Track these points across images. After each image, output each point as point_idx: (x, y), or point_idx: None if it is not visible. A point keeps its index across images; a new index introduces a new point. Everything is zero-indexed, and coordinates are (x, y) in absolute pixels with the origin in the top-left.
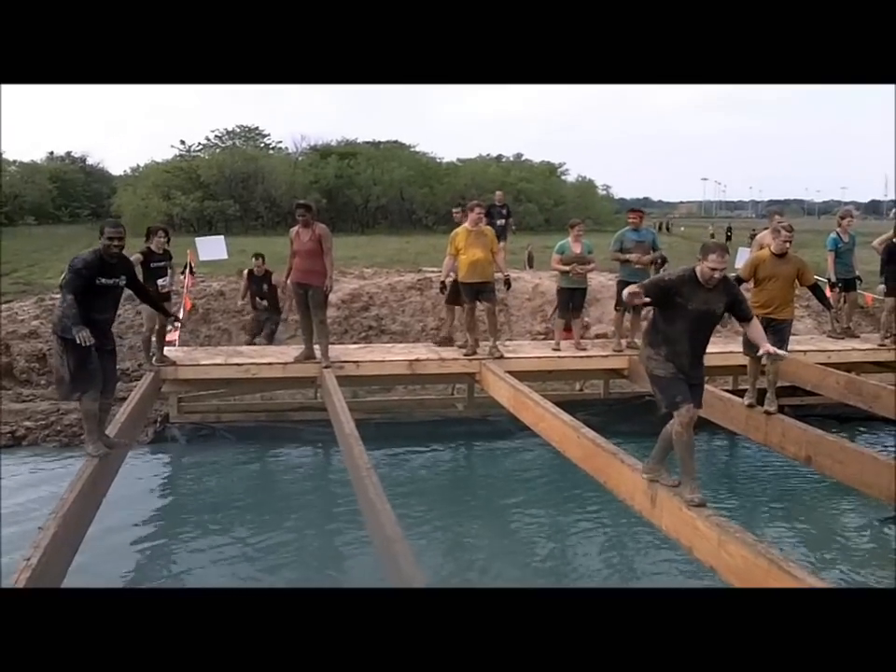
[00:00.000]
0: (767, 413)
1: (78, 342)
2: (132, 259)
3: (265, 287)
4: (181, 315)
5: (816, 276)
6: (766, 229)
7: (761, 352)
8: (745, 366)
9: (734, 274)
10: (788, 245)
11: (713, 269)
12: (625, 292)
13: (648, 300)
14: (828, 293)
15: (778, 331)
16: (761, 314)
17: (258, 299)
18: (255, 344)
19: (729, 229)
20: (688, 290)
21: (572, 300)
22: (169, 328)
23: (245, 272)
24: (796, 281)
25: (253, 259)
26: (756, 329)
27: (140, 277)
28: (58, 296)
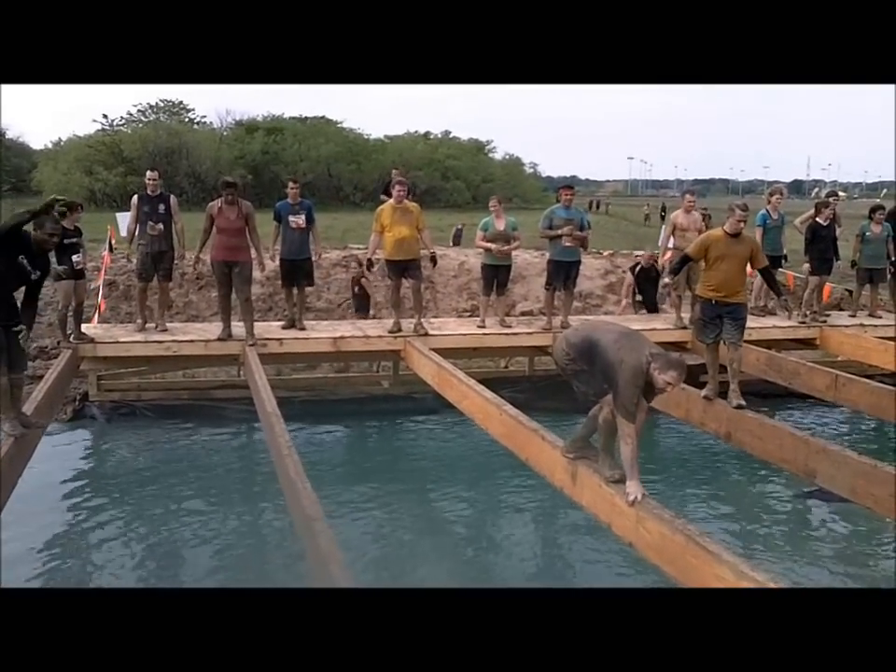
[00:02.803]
0: (739, 407)
1: None
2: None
3: None
4: (100, 294)
5: None
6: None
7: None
8: (667, 343)
9: (682, 253)
10: (742, 224)
11: (669, 384)
12: (632, 497)
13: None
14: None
15: (736, 315)
16: (713, 296)
17: None
18: None
19: (663, 208)
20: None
21: (496, 276)
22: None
23: None
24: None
25: None
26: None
27: (53, 256)
28: None
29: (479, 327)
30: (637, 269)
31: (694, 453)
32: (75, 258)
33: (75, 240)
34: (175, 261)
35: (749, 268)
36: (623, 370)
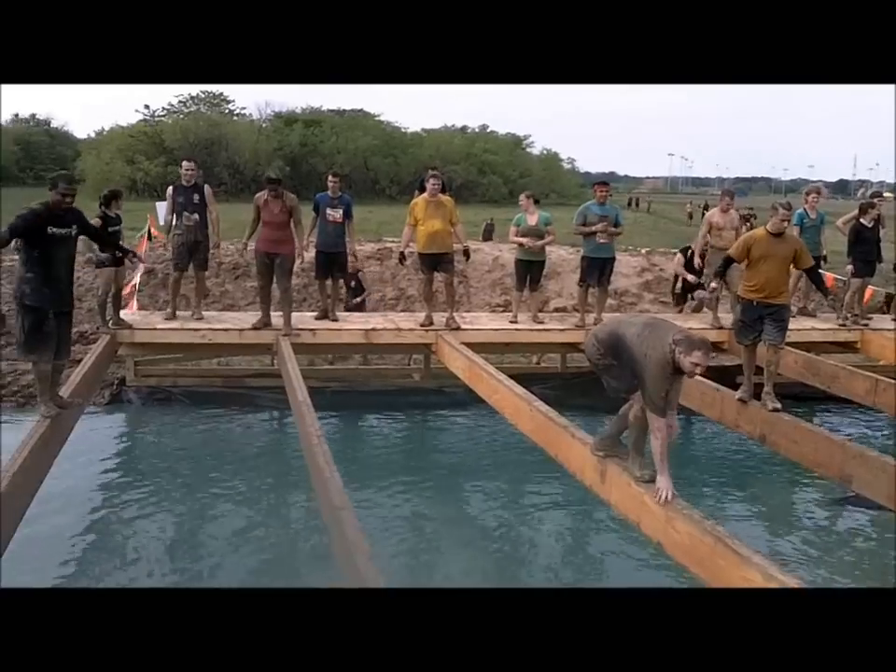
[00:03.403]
0: (775, 410)
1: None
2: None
3: None
4: (136, 281)
5: None
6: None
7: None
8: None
9: (725, 254)
10: (785, 224)
11: (696, 365)
12: (663, 496)
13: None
14: None
15: (778, 317)
16: (756, 297)
17: None
18: None
19: (706, 206)
20: (671, 378)
21: (529, 272)
22: (135, 276)
23: None
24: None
25: None
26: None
27: (96, 244)
28: (17, 258)
29: (511, 322)
30: (689, 252)
31: (728, 454)
32: None
33: (118, 227)
34: (211, 251)
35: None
36: (649, 364)
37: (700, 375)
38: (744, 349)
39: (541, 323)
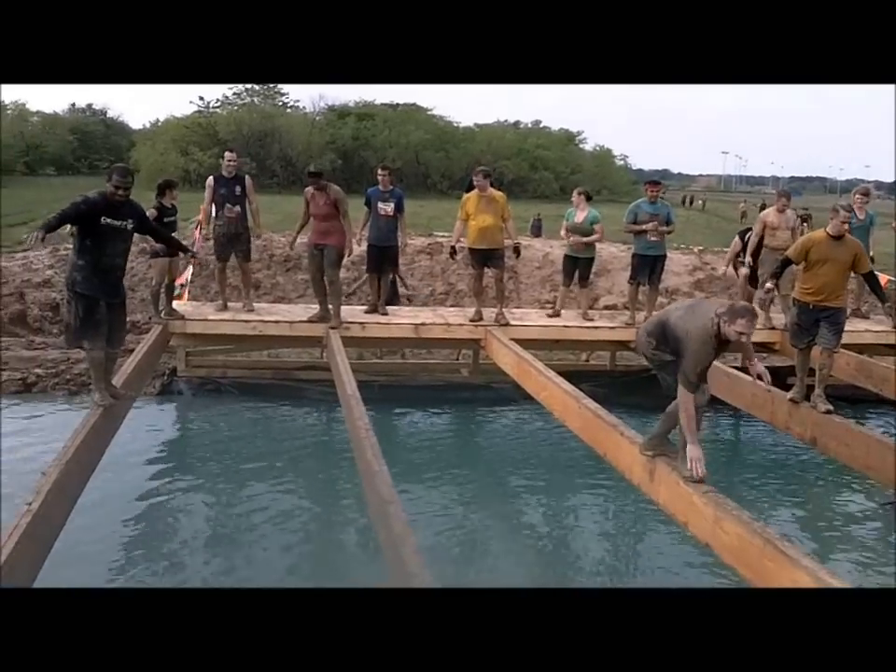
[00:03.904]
0: (827, 412)
1: (26, 240)
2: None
3: None
4: (189, 272)
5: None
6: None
7: (751, 373)
8: (755, 343)
9: (784, 255)
10: (846, 226)
11: (741, 333)
12: (693, 469)
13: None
14: None
15: (834, 320)
16: (812, 300)
17: None
18: None
19: (763, 206)
20: (716, 351)
21: (576, 268)
22: (188, 273)
23: None
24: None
25: None
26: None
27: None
28: (71, 246)
29: (549, 315)
30: (748, 235)
31: (778, 456)
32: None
33: (174, 218)
34: (253, 242)
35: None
36: (690, 339)
37: (749, 376)
38: (798, 352)
39: (591, 320)
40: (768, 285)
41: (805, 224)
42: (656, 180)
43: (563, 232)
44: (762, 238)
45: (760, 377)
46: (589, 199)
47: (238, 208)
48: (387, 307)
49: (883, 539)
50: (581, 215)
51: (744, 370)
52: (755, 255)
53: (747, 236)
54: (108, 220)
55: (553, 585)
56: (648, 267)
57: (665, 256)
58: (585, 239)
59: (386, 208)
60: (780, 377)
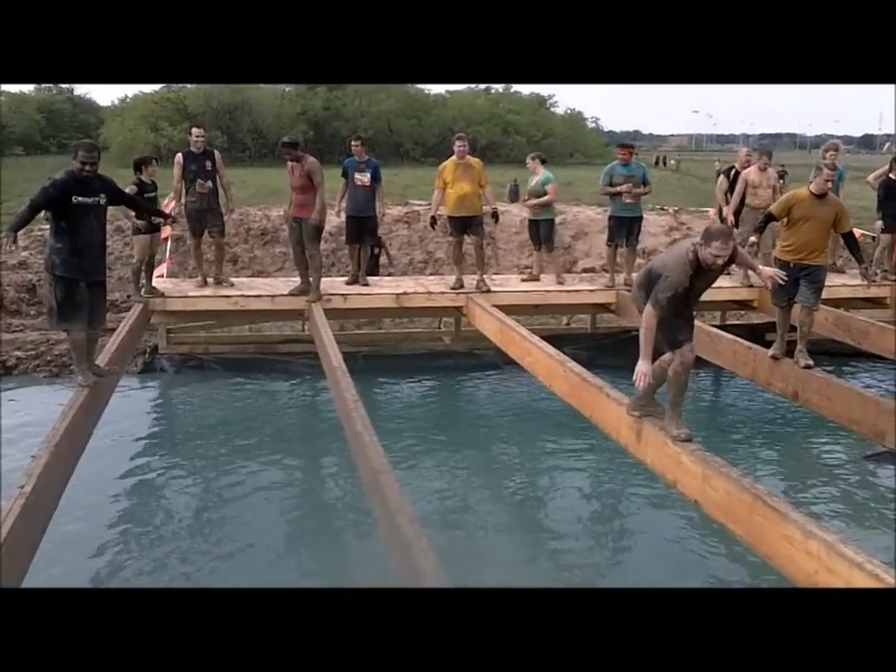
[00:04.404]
0: (807, 367)
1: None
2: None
3: None
4: (167, 249)
5: None
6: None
7: (762, 277)
8: (734, 301)
9: (767, 211)
10: (829, 184)
11: (717, 256)
12: (638, 380)
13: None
14: None
15: (814, 279)
16: (793, 258)
17: None
18: None
19: (730, 170)
20: (692, 279)
21: (537, 231)
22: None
23: None
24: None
25: None
26: (743, 257)
27: (133, 211)
28: (47, 227)
29: (523, 280)
30: (732, 172)
31: (761, 412)
32: None
33: (153, 194)
34: (226, 217)
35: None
36: (667, 269)
37: (729, 334)
38: (779, 310)
39: (562, 283)
40: (752, 239)
41: (781, 181)
42: (627, 143)
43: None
44: (743, 196)
45: (771, 278)
46: (543, 162)
47: (209, 183)
48: (368, 278)
49: (866, 490)
50: (535, 179)
51: (724, 328)
52: (737, 214)
53: (731, 173)
54: (80, 199)
55: (544, 548)
56: (625, 229)
57: (641, 217)
58: (536, 201)
59: (363, 178)
60: (759, 334)
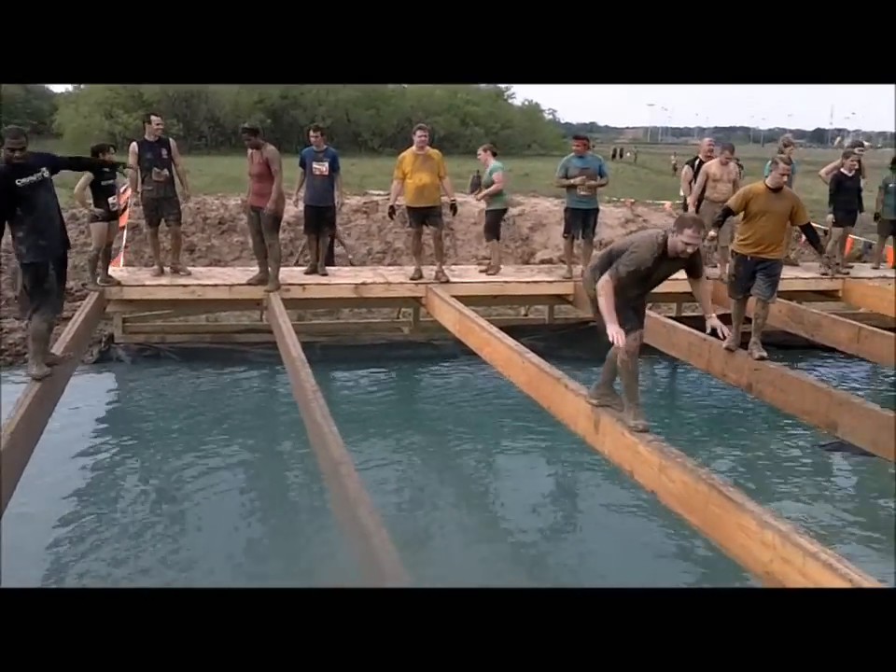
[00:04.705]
0: (761, 359)
1: None
2: (81, 179)
3: None
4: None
5: None
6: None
7: (707, 327)
8: (690, 293)
9: (725, 206)
10: (785, 178)
11: (687, 244)
12: (615, 342)
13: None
14: None
15: (770, 272)
16: (750, 252)
17: None
18: None
19: (697, 162)
20: (656, 262)
21: (493, 220)
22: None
23: None
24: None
25: None
26: (704, 290)
27: (91, 199)
28: None
29: (481, 272)
30: (697, 162)
31: (715, 403)
32: (111, 199)
33: (112, 181)
34: (182, 204)
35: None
36: (634, 245)
37: (685, 325)
38: (734, 302)
39: (490, 274)
40: (711, 233)
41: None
42: (581, 135)
43: (468, 191)
44: (704, 189)
45: (715, 331)
46: (495, 154)
47: (166, 171)
48: (326, 267)
49: (819, 480)
50: (485, 170)
51: (680, 319)
52: (697, 205)
53: (696, 163)
54: (23, 180)
55: (502, 538)
56: (580, 220)
57: (597, 209)
58: (485, 192)
59: (321, 168)
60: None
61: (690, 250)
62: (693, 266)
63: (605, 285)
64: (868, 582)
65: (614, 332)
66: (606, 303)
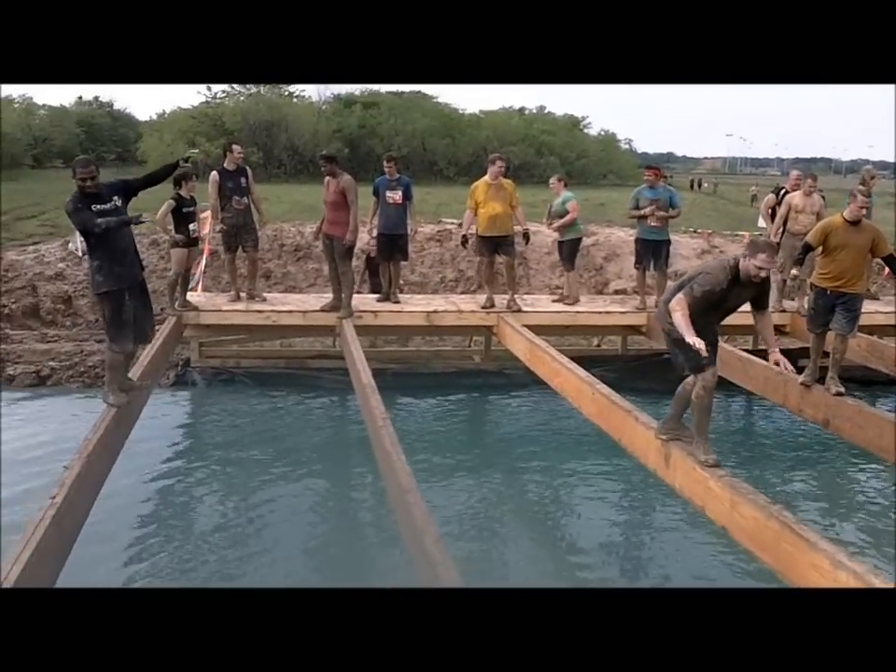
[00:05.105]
0: (839, 394)
1: (103, 226)
2: (164, 206)
3: None
4: (202, 263)
5: None
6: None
7: (770, 360)
8: None
9: (804, 242)
10: (863, 211)
11: (760, 268)
12: (693, 344)
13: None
14: None
15: (850, 306)
16: (830, 286)
17: None
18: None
19: (780, 191)
20: (729, 287)
21: (569, 250)
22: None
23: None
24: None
25: None
26: (767, 323)
27: (172, 225)
28: (80, 240)
29: (554, 301)
30: (782, 192)
31: (791, 439)
32: (191, 226)
33: (192, 209)
34: (259, 231)
35: None
36: (708, 268)
37: (761, 359)
38: (813, 336)
39: (573, 304)
40: (793, 272)
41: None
42: (653, 164)
43: (545, 220)
44: (786, 221)
45: (777, 364)
46: (566, 185)
47: (245, 199)
48: (398, 294)
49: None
50: (556, 200)
51: (756, 353)
52: (779, 238)
53: (781, 193)
54: (99, 207)
55: (571, 572)
56: (651, 251)
57: (668, 241)
58: (559, 222)
59: (395, 196)
60: (792, 359)
61: (763, 275)
62: (761, 296)
63: (680, 301)
64: None
65: (693, 341)
66: (682, 318)
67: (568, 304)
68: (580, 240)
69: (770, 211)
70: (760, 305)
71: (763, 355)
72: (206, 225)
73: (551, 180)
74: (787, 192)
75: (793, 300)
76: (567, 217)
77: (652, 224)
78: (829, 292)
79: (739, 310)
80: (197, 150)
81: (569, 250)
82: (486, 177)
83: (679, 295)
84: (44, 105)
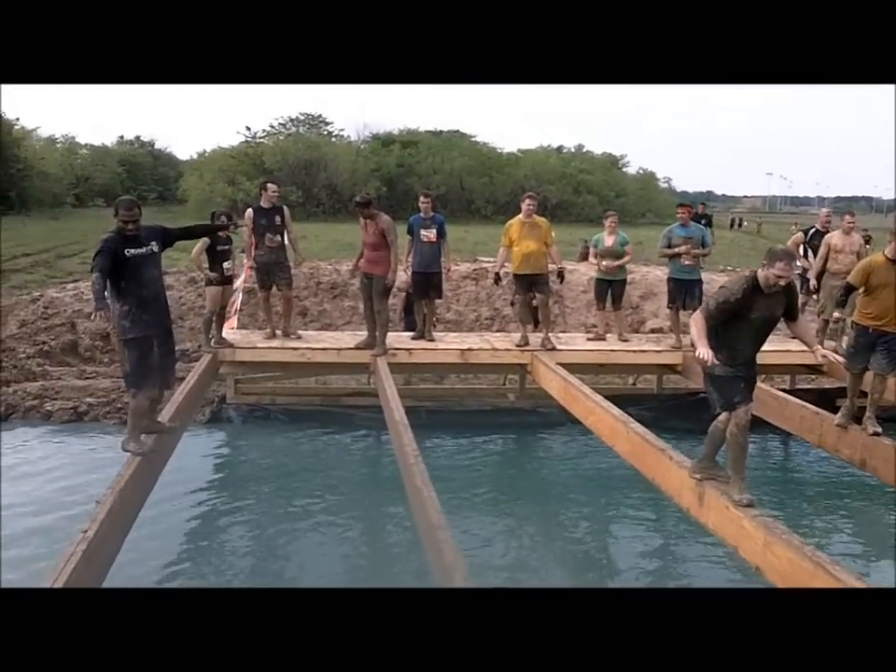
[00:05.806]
0: (876, 434)
1: (93, 318)
2: (198, 244)
3: None
4: (237, 301)
5: None
6: (835, 229)
7: (816, 357)
8: (803, 365)
9: (844, 281)
10: None
11: (779, 276)
12: (699, 355)
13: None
14: None
15: (891, 346)
16: (872, 324)
17: None
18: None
19: (808, 230)
20: (752, 300)
21: (609, 290)
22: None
23: None
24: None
25: None
26: (805, 329)
27: (207, 263)
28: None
29: (589, 339)
30: (812, 231)
31: (827, 479)
32: (226, 264)
33: (227, 247)
34: (294, 270)
35: None
36: (724, 286)
37: (798, 398)
38: (851, 375)
39: (626, 341)
40: (836, 314)
41: (868, 246)
42: (685, 202)
43: (592, 258)
44: (825, 261)
45: (825, 357)
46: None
47: (278, 237)
48: (433, 332)
49: None
50: (610, 239)
51: (792, 392)
52: (819, 278)
53: (811, 232)
54: (132, 251)
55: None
56: (683, 291)
57: (700, 280)
58: (619, 262)
59: (429, 234)
60: (829, 399)
61: (782, 283)
62: (790, 307)
63: (696, 318)
64: None
65: (703, 352)
66: (696, 330)
67: (624, 341)
68: (626, 281)
69: (798, 248)
70: (791, 316)
71: (801, 395)
72: (247, 271)
73: (609, 218)
74: (816, 231)
75: (833, 341)
76: (626, 259)
77: (686, 263)
78: (870, 330)
79: (776, 349)
80: (238, 230)
81: (620, 290)
82: (521, 215)
83: (696, 312)
84: (86, 145)
